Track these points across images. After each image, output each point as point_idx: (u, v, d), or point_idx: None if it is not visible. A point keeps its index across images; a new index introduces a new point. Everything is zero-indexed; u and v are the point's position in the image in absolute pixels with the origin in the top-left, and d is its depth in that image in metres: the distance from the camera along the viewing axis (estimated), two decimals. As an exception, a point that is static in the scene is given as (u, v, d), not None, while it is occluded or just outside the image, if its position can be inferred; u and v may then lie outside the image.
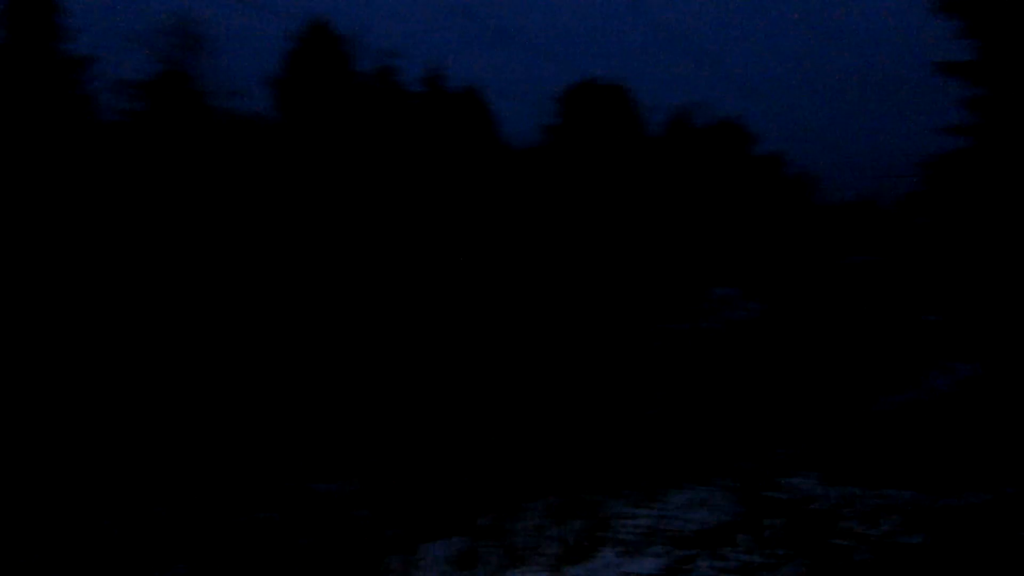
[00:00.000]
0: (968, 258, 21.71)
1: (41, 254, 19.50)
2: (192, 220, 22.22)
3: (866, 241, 53.57)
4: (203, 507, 10.00)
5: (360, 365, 18.21)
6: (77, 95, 22.44)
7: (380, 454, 12.14)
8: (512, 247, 24.81)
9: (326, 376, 17.27)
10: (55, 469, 11.48)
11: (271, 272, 21.52)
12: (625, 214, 28.91)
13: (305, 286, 21.51)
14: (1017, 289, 19.40)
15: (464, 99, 26.02)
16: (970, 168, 20.63)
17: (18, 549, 9.12)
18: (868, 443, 11.25)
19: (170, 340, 18.66)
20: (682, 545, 8.17)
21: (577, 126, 30.22)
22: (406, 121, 25.13)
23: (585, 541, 8.51)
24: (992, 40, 19.41)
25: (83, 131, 22.30)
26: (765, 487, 9.62)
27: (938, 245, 24.82)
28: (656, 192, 30.12)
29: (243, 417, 14.17)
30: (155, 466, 11.49)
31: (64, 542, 9.10)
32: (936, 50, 33.10)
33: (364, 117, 24.55)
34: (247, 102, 23.66)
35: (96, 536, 9.23)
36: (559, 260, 25.98)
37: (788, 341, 21.70)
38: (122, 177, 22.14)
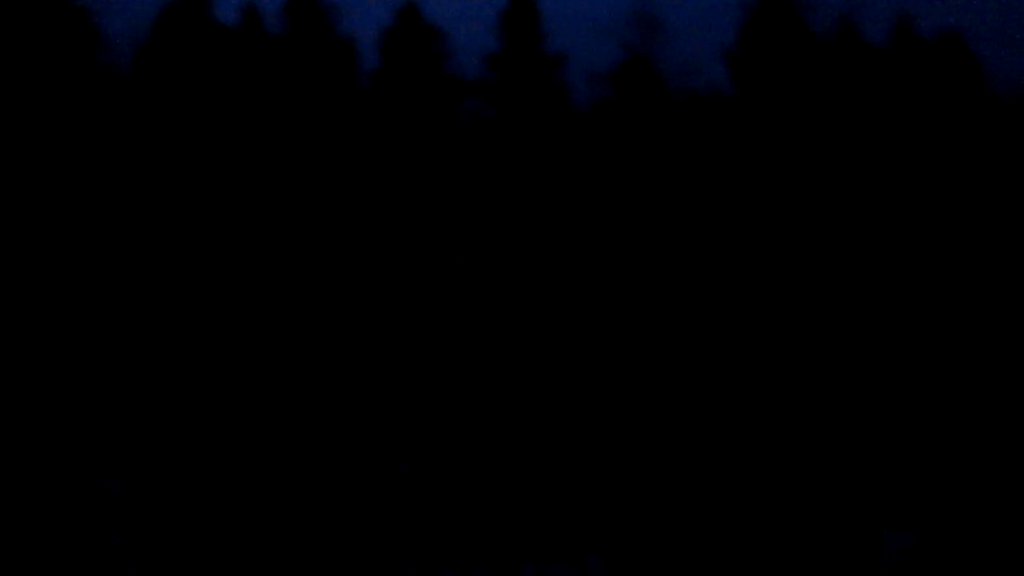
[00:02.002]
0: None
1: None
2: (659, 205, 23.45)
3: None
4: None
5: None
6: (555, 89, 24.95)
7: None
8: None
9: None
10: None
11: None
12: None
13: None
14: None
15: (942, 49, 23.47)
16: None
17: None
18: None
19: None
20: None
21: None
22: (873, 80, 23.47)
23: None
24: None
25: (561, 123, 24.78)
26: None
27: None
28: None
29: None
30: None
31: None
32: None
33: (825, 80, 23.49)
34: (707, 80, 24.15)
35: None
36: None
37: None
38: (596, 165, 24.20)
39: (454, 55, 23.05)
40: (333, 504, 10.34)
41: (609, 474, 11.75)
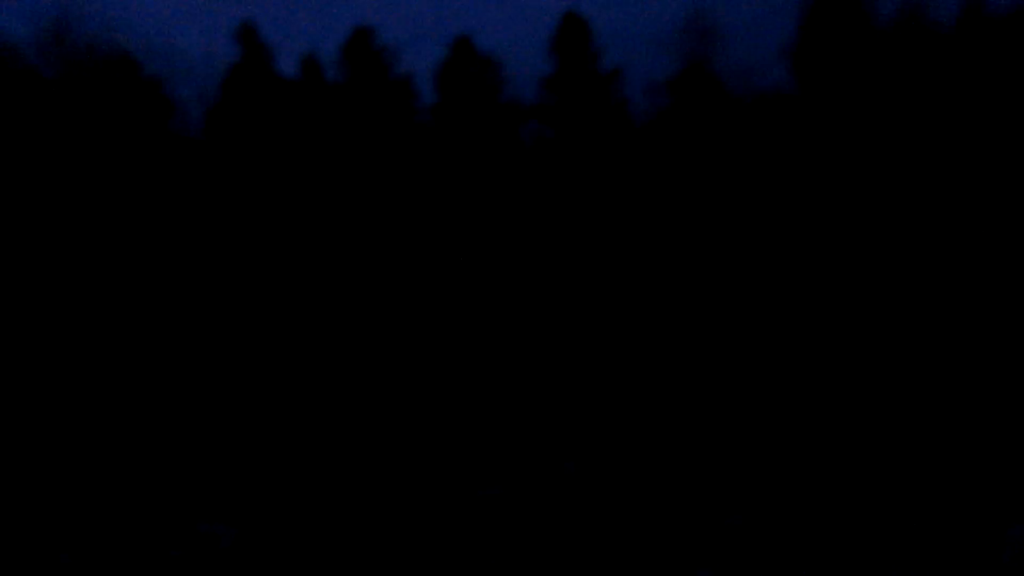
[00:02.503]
0: None
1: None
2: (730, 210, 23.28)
3: None
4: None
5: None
6: (612, 104, 24.96)
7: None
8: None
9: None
10: None
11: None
12: None
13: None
14: None
15: (1014, 24, 22.45)
16: None
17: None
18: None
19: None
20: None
21: None
22: (942, 66, 22.68)
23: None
24: None
25: (622, 136, 24.78)
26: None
27: None
28: None
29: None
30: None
31: None
32: None
33: (890, 70, 22.82)
34: (765, 81, 23.78)
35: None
36: None
37: None
38: (658, 169, 24.15)
39: (511, 81, 23.30)
40: (434, 541, 10.76)
41: (705, 485, 11.88)
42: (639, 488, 11.84)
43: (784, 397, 17.28)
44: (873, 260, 21.71)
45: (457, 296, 22.53)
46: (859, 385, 17.15)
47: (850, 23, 23.30)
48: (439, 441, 15.73)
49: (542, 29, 22.98)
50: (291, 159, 22.03)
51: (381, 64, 21.98)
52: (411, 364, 20.67)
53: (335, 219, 22.26)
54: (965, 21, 22.74)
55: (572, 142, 24.10)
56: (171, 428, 16.32)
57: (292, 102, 21.82)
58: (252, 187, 21.35)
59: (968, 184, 21.06)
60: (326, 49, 22.17)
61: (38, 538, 10.63)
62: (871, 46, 23.11)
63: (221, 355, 20.20)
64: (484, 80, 22.50)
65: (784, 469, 11.99)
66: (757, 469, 12.12)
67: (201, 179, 20.67)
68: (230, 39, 21.49)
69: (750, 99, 23.72)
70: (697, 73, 23.99)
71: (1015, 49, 21.99)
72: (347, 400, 18.82)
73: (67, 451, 14.30)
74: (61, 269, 19.47)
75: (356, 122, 22.08)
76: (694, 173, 23.74)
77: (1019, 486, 9.55)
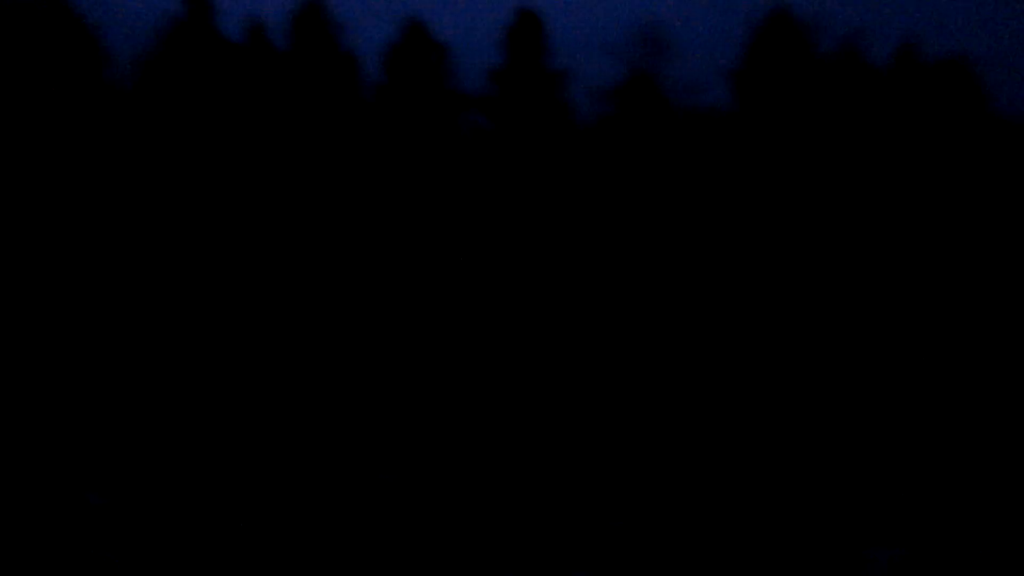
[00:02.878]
0: None
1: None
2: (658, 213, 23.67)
3: None
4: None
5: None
6: (558, 103, 25.05)
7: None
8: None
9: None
10: None
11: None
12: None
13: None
14: None
15: (946, 71, 23.52)
16: None
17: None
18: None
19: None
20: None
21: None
22: (875, 102, 23.58)
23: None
24: None
25: (561, 137, 24.91)
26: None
27: None
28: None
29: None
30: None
31: None
32: None
33: (827, 100, 23.60)
34: (707, 97, 24.25)
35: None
36: None
37: None
38: (594, 176, 24.39)
39: (459, 69, 23.13)
40: (321, 513, 10.64)
41: (590, 490, 12.02)
42: (534, 488, 11.94)
43: (691, 402, 17.65)
44: (790, 274, 22.45)
45: (369, 270, 22.27)
46: (747, 396, 17.62)
47: (792, 51, 23.98)
48: (347, 426, 15.53)
49: (495, 22, 22.89)
50: (226, 123, 21.38)
51: (330, 37, 21.52)
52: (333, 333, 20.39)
53: (262, 187, 21.71)
54: (899, 63, 23.69)
55: (510, 136, 24.09)
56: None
57: (234, 65, 21.16)
58: (183, 146, 20.64)
59: (891, 208, 21.97)
60: (275, 16, 21.60)
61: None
62: (810, 75, 23.85)
63: (141, 315, 19.52)
64: (432, 65, 22.27)
65: (676, 477, 12.24)
66: (648, 476, 12.34)
67: (131, 133, 19.87)
68: (175, -7, 20.72)
69: (691, 114, 24.17)
70: (642, 83, 24.29)
71: (942, 92, 23.05)
72: (280, 371, 18.48)
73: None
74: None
75: (299, 93, 21.57)
76: (630, 180, 24.06)
77: (879, 509, 9.99)
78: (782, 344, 21.35)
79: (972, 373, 19.67)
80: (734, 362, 20.94)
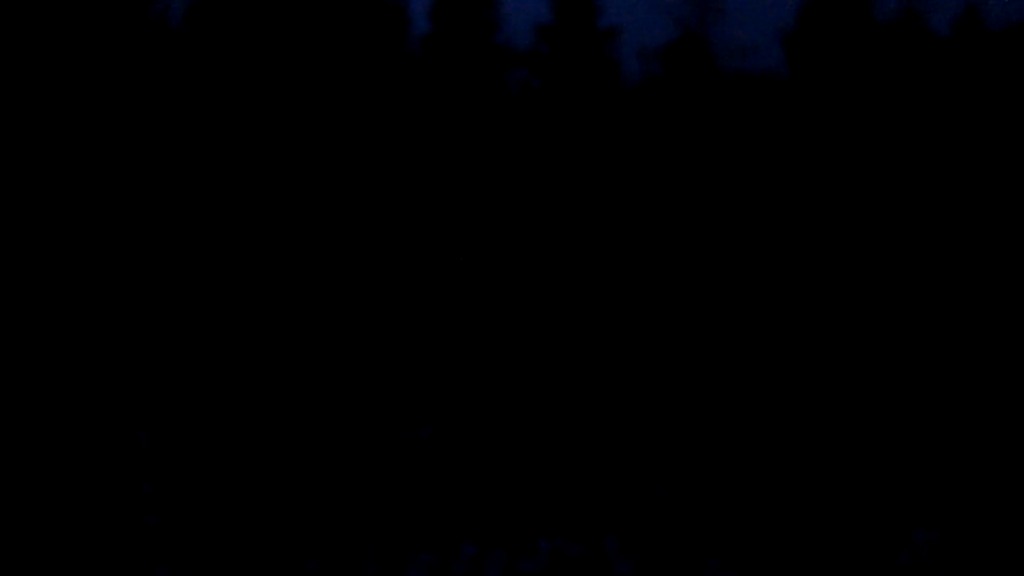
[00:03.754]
0: None
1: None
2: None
3: None
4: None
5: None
6: (606, 64, 24.64)
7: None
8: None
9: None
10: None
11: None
12: None
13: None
14: None
15: (1009, 39, 22.78)
16: None
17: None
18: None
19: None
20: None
21: None
22: (936, 70, 22.89)
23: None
24: None
25: (610, 98, 24.51)
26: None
27: None
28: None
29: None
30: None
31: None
32: None
33: (885, 68, 22.95)
34: (760, 61, 23.72)
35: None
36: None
37: None
38: (641, 136, 23.97)
39: (507, 24, 22.78)
40: (351, 467, 10.42)
41: (629, 457, 11.70)
42: (570, 448, 11.64)
43: (736, 388, 17.21)
44: (847, 255, 21.85)
45: (418, 241, 22.01)
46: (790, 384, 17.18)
47: (849, 16, 23.36)
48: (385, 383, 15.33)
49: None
50: (271, 68, 21.21)
51: (379, -16, 21.28)
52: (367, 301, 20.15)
53: (308, 139, 21.52)
54: (962, 30, 22.98)
55: (559, 96, 23.71)
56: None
57: (279, 8, 20.97)
58: (229, 92, 20.50)
59: (955, 187, 21.31)
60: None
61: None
62: (867, 42, 23.22)
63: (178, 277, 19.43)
64: (480, 18, 21.93)
65: (712, 452, 11.87)
66: (687, 450, 11.98)
67: (175, 71, 19.74)
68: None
69: (741, 77, 23.66)
70: (691, 44, 23.81)
71: (1008, 61, 22.32)
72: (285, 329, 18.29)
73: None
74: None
75: (344, 41, 21.33)
76: (678, 145, 23.60)
77: (924, 491, 9.57)
78: (827, 324, 20.78)
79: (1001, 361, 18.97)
80: (773, 340, 20.43)
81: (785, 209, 22.66)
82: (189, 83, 20.74)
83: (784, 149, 23.28)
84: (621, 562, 8.26)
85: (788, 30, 23.45)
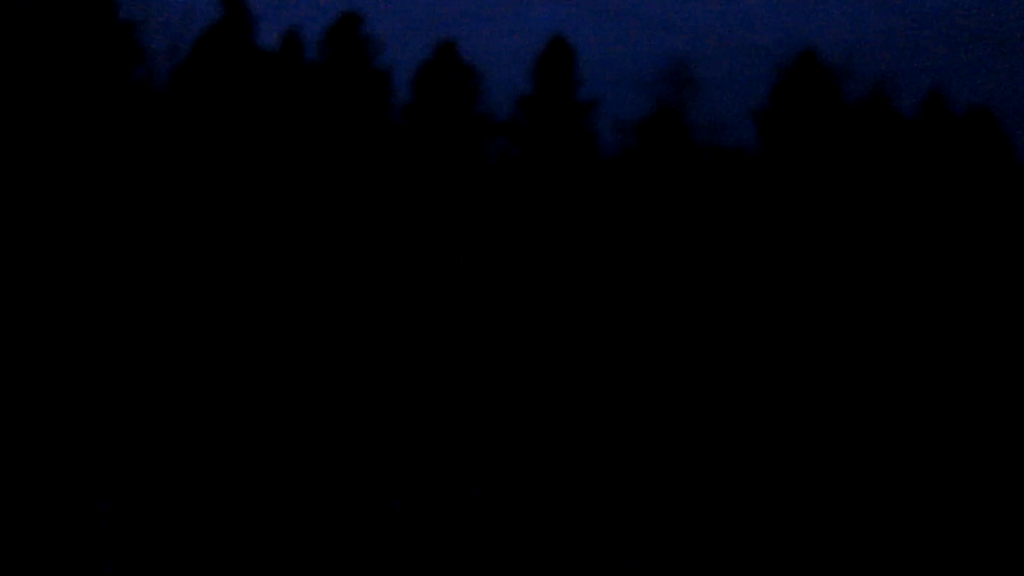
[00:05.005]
0: None
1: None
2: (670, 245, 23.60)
3: None
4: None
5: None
6: (583, 135, 25.16)
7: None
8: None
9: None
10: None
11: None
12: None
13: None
14: None
15: (972, 122, 23.64)
16: None
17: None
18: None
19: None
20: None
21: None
22: (902, 150, 23.65)
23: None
24: None
25: (587, 167, 24.95)
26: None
27: None
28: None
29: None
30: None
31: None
32: None
33: (853, 146, 23.67)
34: (733, 137, 24.38)
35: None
36: None
37: None
38: (617, 206, 24.37)
39: (487, 94, 23.25)
40: (324, 539, 10.22)
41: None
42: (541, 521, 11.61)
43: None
44: (802, 318, 22.20)
45: (388, 291, 22.04)
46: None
47: (819, 96, 24.14)
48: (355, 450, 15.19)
49: (529, 47, 23.06)
50: (255, 132, 21.41)
51: (364, 53, 21.68)
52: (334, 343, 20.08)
53: (288, 197, 21.64)
54: (927, 112, 23.82)
55: (537, 164, 24.12)
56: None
57: (266, 74, 21.27)
58: (210, 151, 20.63)
59: (912, 255, 21.85)
60: (310, 29, 21.77)
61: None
62: (837, 121, 23.97)
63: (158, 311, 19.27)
64: (462, 87, 22.39)
65: (688, 515, 11.92)
66: (657, 514, 12.01)
67: (158, 133, 19.86)
68: (213, -1, 20.93)
69: (715, 152, 24.25)
70: (668, 119, 24.42)
71: (970, 143, 23.13)
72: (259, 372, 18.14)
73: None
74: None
75: (329, 106, 21.65)
76: (652, 215, 24.03)
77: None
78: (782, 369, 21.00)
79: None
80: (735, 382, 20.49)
81: (754, 277, 23.06)
82: (171, 144, 20.84)
83: (755, 221, 23.79)
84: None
85: (761, 108, 24.17)
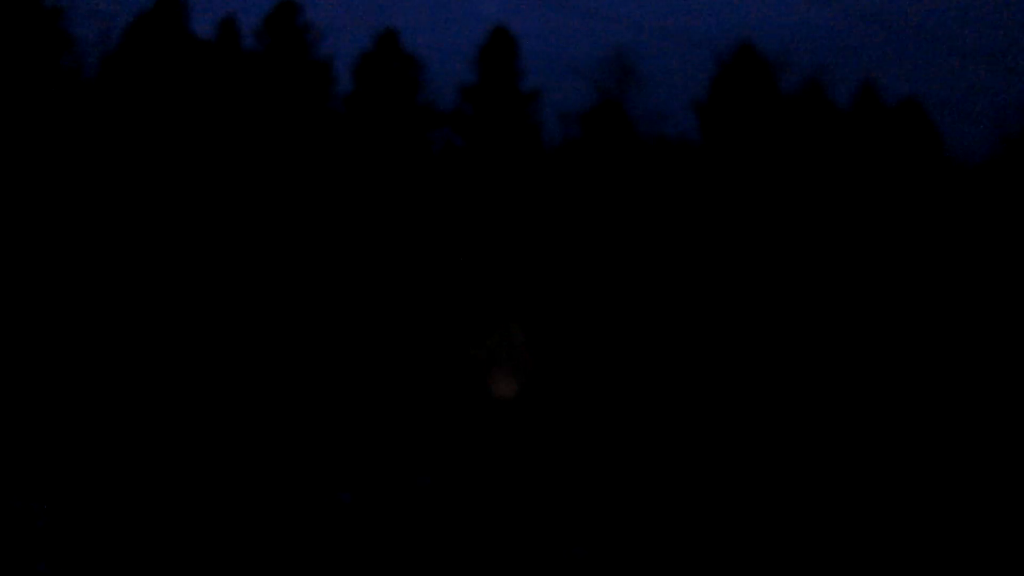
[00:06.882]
0: None
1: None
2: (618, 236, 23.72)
3: None
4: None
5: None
6: (527, 125, 25.08)
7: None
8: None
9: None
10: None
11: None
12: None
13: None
14: None
15: (903, 114, 24.33)
16: None
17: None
18: None
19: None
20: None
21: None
22: (836, 140, 24.19)
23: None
24: None
25: (531, 157, 24.89)
26: None
27: None
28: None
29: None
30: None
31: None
32: None
33: (789, 136, 24.12)
34: (674, 127, 24.61)
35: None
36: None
37: None
38: (564, 197, 24.37)
39: (430, 84, 22.97)
40: (273, 533, 10.04)
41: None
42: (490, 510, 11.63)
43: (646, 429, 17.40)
44: (740, 305, 22.60)
45: (330, 283, 21.66)
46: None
47: (756, 88, 24.53)
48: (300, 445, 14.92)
49: (471, 38, 22.84)
50: (190, 122, 20.72)
51: (303, 42, 21.15)
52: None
53: (225, 188, 21.03)
54: (860, 103, 24.42)
55: (481, 154, 23.97)
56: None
57: (202, 64, 20.58)
58: (143, 142, 19.89)
59: (846, 243, 22.40)
60: (247, 18, 21.12)
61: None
62: (773, 112, 24.40)
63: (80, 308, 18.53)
64: (404, 77, 22.06)
65: (637, 500, 12.08)
66: (606, 501, 12.15)
67: (87, 124, 19.05)
68: (144, -15, 20.14)
69: (658, 142, 24.45)
70: (611, 110, 24.51)
71: (900, 133, 23.81)
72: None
73: None
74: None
75: (268, 96, 21.08)
76: (595, 204, 24.11)
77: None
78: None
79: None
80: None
81: (693, 264, 23.37)
82: (101, 135, 20.02)
83: (695, 208, 24.09)
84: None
85: (701, 99, 24.45)
